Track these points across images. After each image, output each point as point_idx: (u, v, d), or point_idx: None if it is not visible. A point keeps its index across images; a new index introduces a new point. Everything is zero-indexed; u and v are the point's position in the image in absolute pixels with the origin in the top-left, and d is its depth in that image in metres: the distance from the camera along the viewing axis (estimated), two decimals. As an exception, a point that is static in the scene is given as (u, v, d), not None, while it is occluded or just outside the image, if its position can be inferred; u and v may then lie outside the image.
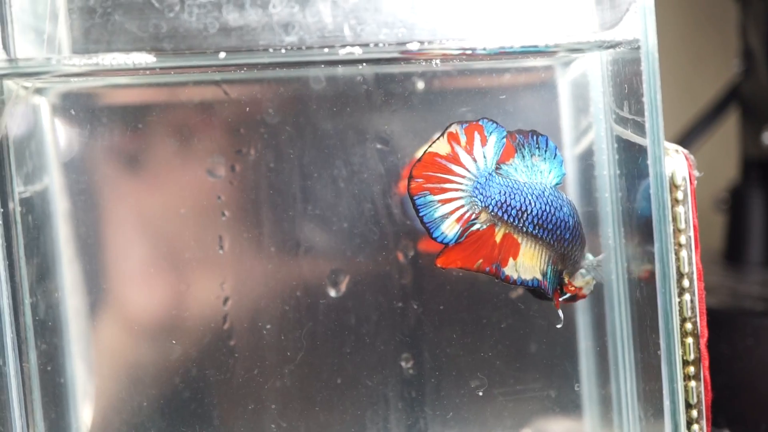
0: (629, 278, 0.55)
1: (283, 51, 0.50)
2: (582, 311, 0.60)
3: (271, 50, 0.50)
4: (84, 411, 0.60)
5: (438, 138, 0.49)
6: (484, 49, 0.50)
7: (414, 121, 0.58)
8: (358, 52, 0.50)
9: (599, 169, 0.58)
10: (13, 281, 0.56)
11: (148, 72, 0.54)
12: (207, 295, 0.57)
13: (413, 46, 0.50)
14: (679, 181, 0.49)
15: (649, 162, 0.49)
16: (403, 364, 0.58)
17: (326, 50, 0.50)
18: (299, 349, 0.58)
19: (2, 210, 0.55)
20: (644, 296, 0.53)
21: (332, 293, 0.58)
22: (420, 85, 0.58)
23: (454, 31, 0.54)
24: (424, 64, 0.56)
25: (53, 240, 0.59)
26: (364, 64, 0.55)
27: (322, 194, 0.57)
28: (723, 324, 0.58)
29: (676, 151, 0.50)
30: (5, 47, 0.56)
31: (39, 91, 0.58)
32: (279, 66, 0.55)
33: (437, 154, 0.49)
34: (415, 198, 0.48)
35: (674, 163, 0.49)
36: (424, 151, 0.49)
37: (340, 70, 0.57)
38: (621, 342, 0.57)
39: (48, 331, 0.58)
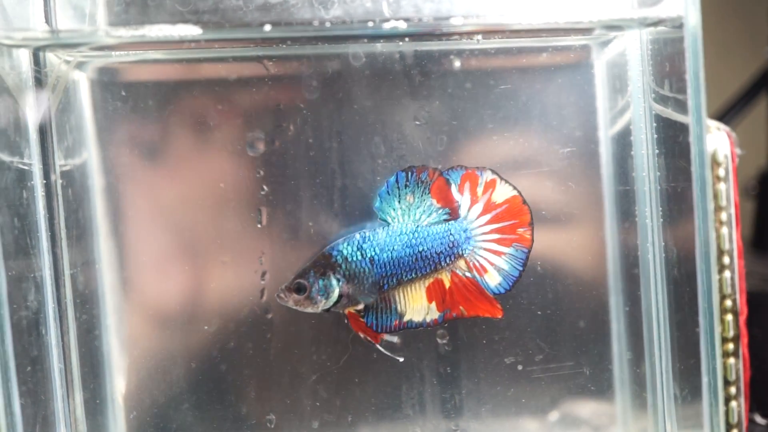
0: (666, 257, 0.55)
1: (328, 24, 0.50)
2: (614, 292, 0.60)
3: (315, 23, 0.50)
4: (119, 382, 0.60)
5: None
6: (530, 24, 0.50)
7: (452, 98, 0.58)
8: (402, 26, 0.50)
9: (636, 148, 0.58)
10: (54, 253, 0.56)
11: (192, 45, 0.54)
12: (245, 269, 0.58)
13: (457, 21, 0.50)
14: (721, 158, 0.49)
15: (691, 139, 0.49)
16: (438, 340, 0.58)
17: (370, 24, 0.50)
18: (335, 323, 0.58)
19: (45, 182, 0.56)
20: (682, 274, 0.53)
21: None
22: (458, 63, 0.58)
23: (493, 9, 0.54)
24: (465, 41, 0.56)
25: (91, 214, 0.60)
26: (407, 39, 0.55)
27: (360, 170, 0.57)
28: (754, 308, 0.58)
29: (718, 128, 0.50)
30: (47, 20, 0.56)
31: (78, 66, 0.59)
32: (321, 40, 0.55)
33: None
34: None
35: (716, 141, 0.50)
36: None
37: (380, 47, 0.57)
38: (657, 321, 0.57)
39: (87, 303, 0.59)
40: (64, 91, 0.58)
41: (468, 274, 0.52)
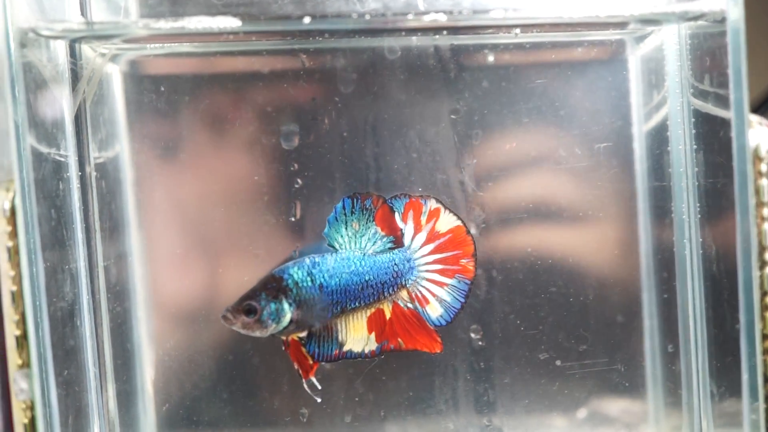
0: (704, 253, 0.55)
1: (367, 17, 0.50)
2: (648, 288, 0.60)
3: (354, 16, 0.50)
4: (151, 374, 0.60)
5: None
6: (570, 17, 0.50)
7: (487, 92, 0.58)
8: (441, 18, 0.50)
9: (673, 144, 0.57)
10: (89, 245, 0.57)
11: (230, 38, 0.54)
12: (278, 262, 0.57)
13: (497, 14, 0.50)
14: (763, 153, 0.49)
15: (733, 135, 0.49)
16: (472, 335, 0.58)
17: (410, 16, 0.49)
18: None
19: (80, 173, 0.56)
20: (721, 270, 0.52)
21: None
22: (492, 57, 0.58)
23: (530, 2, 0.53)
24: (501, 34, 0.56)
25: (124, 207, 0.60)
26: (444, 32, 0.55)
27: (394, 165, 0.57)
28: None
29: (760, 123, 0.50)
30: (83, 13, 0.56)
31: (112, 58, 0.59)
32: (358, 33, 0.55)
33: None
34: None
35: (758, 136, 0.49)
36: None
37: (415, 40, 0.57)
38: (693, 317, 0.57)
39: (119, 295, 0.59)
40: (99, 84, 0.58)
41: (410, 305, 0.51)
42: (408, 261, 0.51)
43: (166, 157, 0.59)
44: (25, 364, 0.49)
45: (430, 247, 0.51)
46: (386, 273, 0.51)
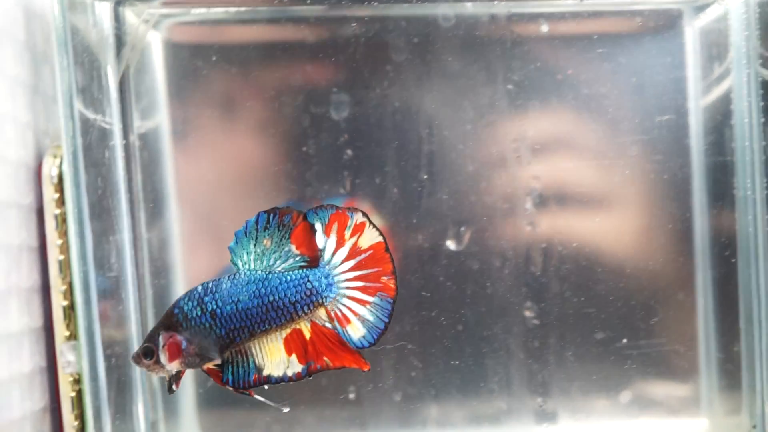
0: (769, 230, 0.53)
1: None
2: (704, 268, 0.58)
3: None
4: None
5: None
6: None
7: (544, 62, 0.56)
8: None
9: (738, 118, 0.55)
10: (133, 215, 0.55)
11: (275, 2, 0.52)
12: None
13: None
14: (839, 125, 0.47)
15: (807, 105, 0.47)
16: (526, 313, 0.56)
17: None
18: (420, 294, 0.56)
19: (124, 141, 0.54)
20: (789, 248, 0.50)
21: (455, 240, 0.56)
22: (550, 26, 0.56)
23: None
24: (562, 1, 0.54)
25: (165, 178, 0.58)
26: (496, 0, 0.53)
27: (447, 136, 0.55)
28: None
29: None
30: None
31: (155, 25, 0.57)
32: (412, 0, 0.53)
33: None
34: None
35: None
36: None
37: (470, 7, 0.55)
38: (756, 298, 0.55)
39: (161, 269, 0.58)
40: (141, 52, 0.57)
41: (328, 325, 0.46)
42: (326, 277, 0.46)
43: (210, 128, 0.57)
44: (73, 336, 0.48)
45: (351, 263, 0.46)
46: (297, 292, 0.45)
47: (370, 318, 0.45)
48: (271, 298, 0.45)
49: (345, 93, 0.56)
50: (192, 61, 0.57)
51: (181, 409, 0.59)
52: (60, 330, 0.48)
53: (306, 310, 0.46)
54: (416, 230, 0.56)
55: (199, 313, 0.48)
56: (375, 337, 0.46)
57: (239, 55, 0.57)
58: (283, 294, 0.45)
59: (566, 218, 0.56)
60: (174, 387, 0.49)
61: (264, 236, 0.46)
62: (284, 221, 0.46)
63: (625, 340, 0.57)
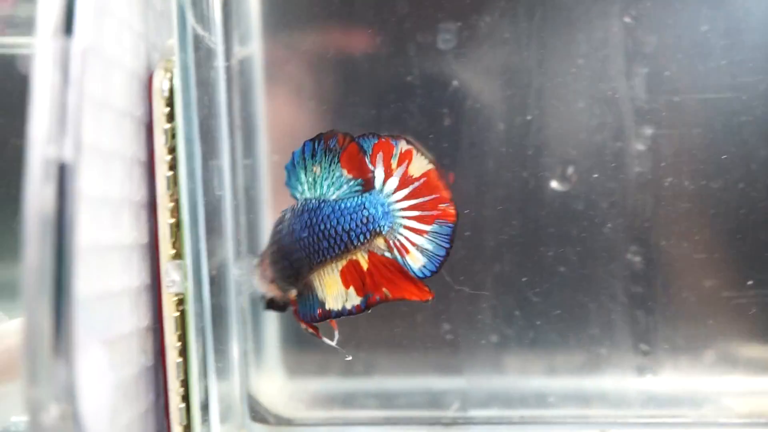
0: None
1: None
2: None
3: None
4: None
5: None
6: None
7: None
8: None
9: None
10: (232, 140, 0.54)
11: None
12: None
13: None
14: None
15: None
16: (630, 257, 0.54)
17: None
18: (522, 232, 0.55)
19: (226, 64, 0.53)
20: None
21: (561, 179, 0.54)
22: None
23: None
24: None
25: (256, 107, 0.57)
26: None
27: (558, 69, 0.53)
28: None
29: None
30: None
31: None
32: None
33: None
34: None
35: None
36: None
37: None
38: None
39: (253, 199, 0.56)
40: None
41: (387, 254, 0.45)
42: (382, 205, 0.44)
43: (306, 58, 0.56)
44: (178, 255, 0.47)
45: (405, 192, 0.44)
46: (353, 219, 0.44)
47: (429, 247, 0.44)
48: (321, 227, 0.43)
49: (453, 21, 0.54)
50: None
51: (266, 344, 0.58)
52: (165, 248, 0.46)
53: (362, 239, 0.44)
54: (522, 168, 0.54)
55: (271, 244, 0.47)
56: (436, 265, 0.45)
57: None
58: (335, 222, 0.43)
59: (680, 161, 0.54)
60: (276, 309, 0.48)
61: (312, 164, 0.44)
62: (330, 146, 0.44)
63: (727, 291, 0.55)
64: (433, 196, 0.43)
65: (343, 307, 0.45)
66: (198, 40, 0.48)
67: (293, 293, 0.48)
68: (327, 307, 0.45)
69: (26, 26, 0.60)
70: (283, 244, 0.46)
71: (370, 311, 0.45)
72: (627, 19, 0.53)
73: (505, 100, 0.54)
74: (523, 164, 0.54)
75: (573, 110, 0.54)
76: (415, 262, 0.44)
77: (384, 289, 0.44)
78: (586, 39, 0.53)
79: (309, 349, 0.59)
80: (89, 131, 0.38)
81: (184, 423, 0.47)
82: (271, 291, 0.49)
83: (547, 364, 0.56)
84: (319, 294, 0.46)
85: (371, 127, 0.55)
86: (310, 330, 0.46)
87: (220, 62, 0.52)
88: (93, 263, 0.39)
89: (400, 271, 0.44)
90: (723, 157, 0.54)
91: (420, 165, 0.43)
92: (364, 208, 0.44)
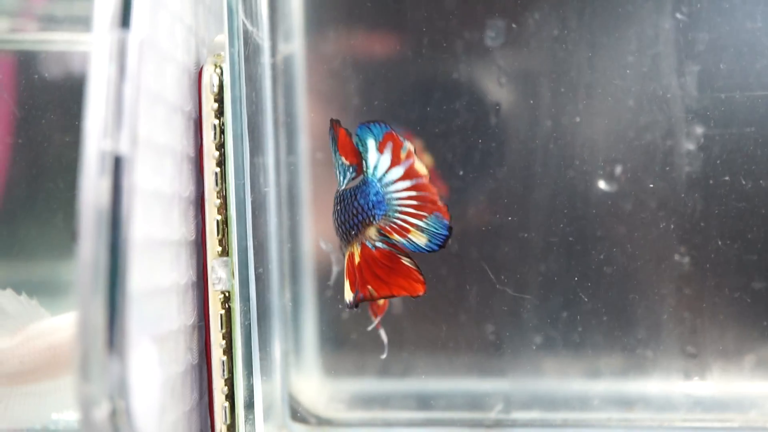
0: None
1: None
2: None
3: None
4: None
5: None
6: None
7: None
8: None
9: None
10: (277, 137, 0.53)
11: None
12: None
13: None
14: None
15: None
16: (679, 257, 0.53)
17: None
18: (569, 235, 0.54)
19: (272, 60, 0.53)
20: None
21: (608, 179, 0.54)
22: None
23: None
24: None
25: (298, 105, 0.56)
26: None
27: (608, 68, 0.53)
28: None
29: None
30: None
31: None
32: None
33: None
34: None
35: None
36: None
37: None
38: None
39: (294, 198, 0.56)
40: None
41: (378, 245, 0.43)
42: (376, 194, 0.42)
43: (346, 57, 0.55)
44: (224, 252, 0.46)
45: (408, 183, 0.42)
46: (347, 210, 0.42)
47: (429, 229, 0.42)
48: (332, 219, 0.43)
49: (500, 18, 0.53)
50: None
51: (306, 344, 0.57)
52: (212, 245, 0.46)
53: (355, 231, 0.43)
54: (568, 166, 0.54)
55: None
56: (441, 242, 0.42)
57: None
58: (337, 214, 0.43)
59: (732, 162, 0.53)
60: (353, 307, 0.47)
61: (332, 152, 0.44)
62: (331, 134, 0.43)
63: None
64: (432, 193, 0.41)
65: (347, 301, 0.44)
66: (247, 36, 0.48)
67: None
68: (345, 298, 0.44)
69: (66, 22, 0.60)
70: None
71: (357, 309, 0.44)
72: (678, 15, 0.52)
73: (553, 98, 0.53)
74: (569, 164, 0.53)
75: (622, 108, 0.53)
76: (420, 238, 0.42)
77: (369, 287, 0.42)
78: (636, 35, 0.52)
79: (348, 349, 0.58)
80: (143, 125, 0.38)
81: (228, 422, 0.46)
82: None
83: (591, 366, 0.55)
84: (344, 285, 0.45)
85: (417, 127, 0.55)
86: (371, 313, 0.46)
87: (266, 58, 0.52)
88: (145, 259, 0.38)
89: (390, 263, 0.42)
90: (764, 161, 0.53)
91: (422, 166, 0.42)
92: (355, 198, 0.43)
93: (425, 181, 0.41)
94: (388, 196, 0.42)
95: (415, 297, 0.42)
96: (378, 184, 0.42)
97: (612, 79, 0.52)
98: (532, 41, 0.53)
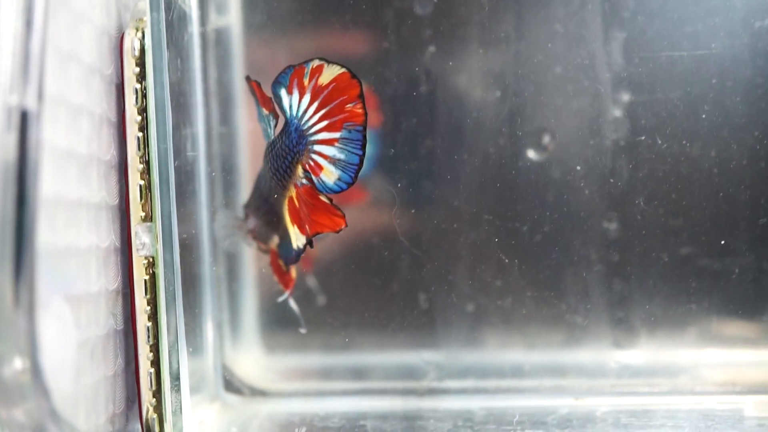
0: None
1: None
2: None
3: None
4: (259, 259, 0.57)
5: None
6: None
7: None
8: None
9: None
10: (207, 107, 0.53)
11: None
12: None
13: None
14: None
15: None
16: (606, 224, 0.54)
17: None
18: (498, 201, 0.54)
19: (202, 29, 0.53)
20: None
21: (537, 145, 0.54)
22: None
23: None
24: None
25: (232, 76, 0.56)
26: None
27: (536, 35, 0.53)
28: None
29: None
30: None
31: None
32: None
33: None
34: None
35: None
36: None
37: None
38: None
39: (229, 168, 0.56)
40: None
41: (303, 182, 0.43)
42: (296, 131, 0.43)
43: (281, 29, 0.55)
44: (148, 218, 0.46)
45: (315, 105, 0.42)
46: (276, 157, 0.44)
47: (342, 156, 0.42)
48: (270, 167, 0.44)
49: (429, -12, 0.53)
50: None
51: (243, 316, 0.57)
52: (135, 210, 0.46)
53: (289, 174, 0.44)
54: (497, 134, 0.54)
55: (254, 192, 0.49)
56: (351, 176, 0.43)
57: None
58: (270, 163, 0.44)
59: (657, 127, 0.54)
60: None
61: (256, 107, 0.45)
62: (251, 92, 0.45)
63: (704, 258, 0.55)
64: (341, 98, 0.42)
65: (298, 247, 0.44)
66: (170, 2, 0.48)
67: (275, 241, 0.48)
68: (294, 245, 0.45)
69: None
70: (262, 189, 0.46)
71: (312, 247, 0.44)
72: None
73: (482, 67, 0.53)
74: (499, 131, 0.54)
75: (549, 76, 0.53)
76: (329, 176, 0.42)
77: (306, 226, 0.43)
78: (563, 3, 0.53)
79: (287, 323, 0.58)
80: (54, 82, 0.38)
81: (153, 388, 0.46)
82: (255, 241, 0.50)
83: (523, 334, 0.55)
84: (291, 233, 0.45)
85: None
86: (282, 285, 0.46)
87: (194, 28, 0.52)
88: (58, 217, 0.38)
89: (312, 200, 0.42)
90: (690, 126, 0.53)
91: (330, 72, 0.42)
92: (281, 141, 0.43)
93: (332, 89, 0.41)
94: (305, 127, 0.43)
95: (338, 232, 0.43)
96: (296, 121, 0.43)
97: (539, 47, 0.53)
98: (461, 9, 0.53)
